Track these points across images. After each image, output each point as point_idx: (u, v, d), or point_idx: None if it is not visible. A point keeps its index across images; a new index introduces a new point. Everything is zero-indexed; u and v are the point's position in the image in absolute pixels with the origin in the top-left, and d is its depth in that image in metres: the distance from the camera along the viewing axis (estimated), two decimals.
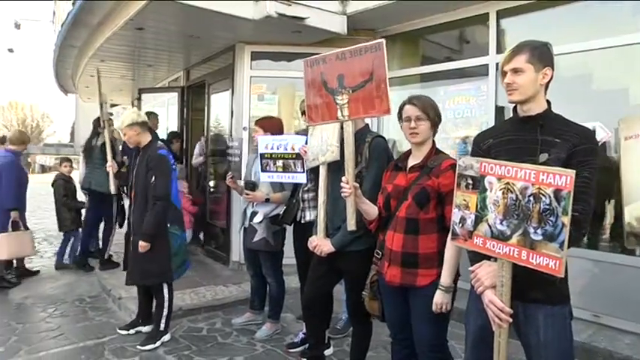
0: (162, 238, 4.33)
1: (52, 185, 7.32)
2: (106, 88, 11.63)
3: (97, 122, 6.97)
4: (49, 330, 4.89)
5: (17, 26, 20.82)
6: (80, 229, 7.29)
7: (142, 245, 4.26)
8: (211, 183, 7.95)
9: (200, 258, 7.53)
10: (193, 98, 8.86)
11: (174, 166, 4.48)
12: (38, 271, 7.01)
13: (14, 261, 6.67)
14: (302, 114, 4.22)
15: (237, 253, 6.66)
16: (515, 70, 2.18)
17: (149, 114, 6.69)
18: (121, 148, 6.72)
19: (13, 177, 6.27)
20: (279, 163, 4.21)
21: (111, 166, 5.23)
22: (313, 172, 3.71)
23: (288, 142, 4.14)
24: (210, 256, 7.53)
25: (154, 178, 4.28)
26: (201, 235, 7.97)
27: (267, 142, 4.28)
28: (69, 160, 7.47)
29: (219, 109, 7.69)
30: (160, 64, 8.73)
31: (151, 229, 4.25)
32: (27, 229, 6.51)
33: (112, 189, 5.42)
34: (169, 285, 4.53)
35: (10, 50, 29.62)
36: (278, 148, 4.22)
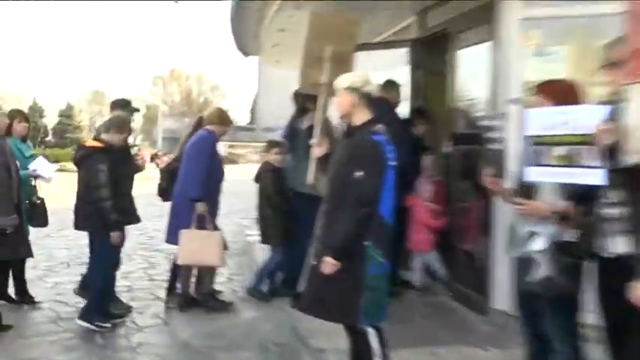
0: (356, 260, 4.39)
1: (257, 180, 8.08)
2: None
3: (302, 97, 7.37)
4: None
5: None
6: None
7: (328, 263, 4.38)
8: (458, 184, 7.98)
9: (442, 300, 7.55)
10: (429, 57, 8.97)
11: (392, 159, 4.50)
12: (231, 303, 7.67)
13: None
14: (604, 68, 3.94)
15: (502, 296, 6.53)
16: None
17: (388, 84, 6.80)
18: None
19: (205, 160, 7.13)
20: (560, 151, 3.98)
21: (317, 146, 5.23)
22: (619, 173, 3.52)
23: (576, 118, 3.92)
24: (457, 299, 7.51)
25: (360, 172, 4.36)
26: (437, 265, 8.05)
27: (541, 119, 4.10)
28: (279, 145, 8.09)
29: (470, 71, 7.69)
30: (379, 10, 8.97)
31: (343, 241, 4.37)
32: (217, 229, 7.22)
33: (309, 178, 5.57)
34: (379, 333, 4.57)
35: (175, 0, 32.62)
36: (561, 128, 3.97)
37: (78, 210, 6.86)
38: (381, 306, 4.60)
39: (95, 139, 6.98)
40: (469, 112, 7.86)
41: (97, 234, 6.74)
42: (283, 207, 7.85)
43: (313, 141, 5.54)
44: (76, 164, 6.87)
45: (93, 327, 6.62)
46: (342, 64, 5.83)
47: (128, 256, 10.00)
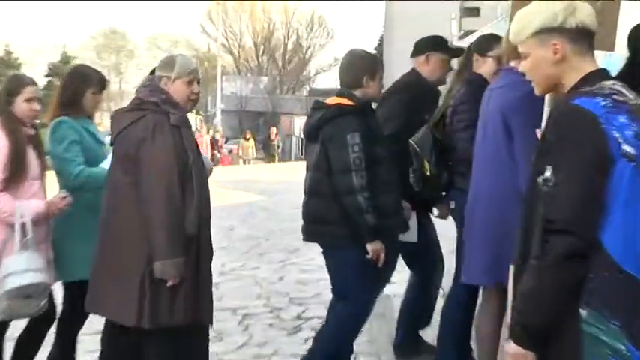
0: (569, 333, 2.63)
1: None
2: None
3: None
4: None
5: None
6: None
7: (510, 348, 2.71)
8: None
9: None
10: None
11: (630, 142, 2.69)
12: None
13: None
14: None
15: None
16: None
17: None
18: None
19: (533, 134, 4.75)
20: None
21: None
22: None
23: None
24: None
25: (548, 172, 2.71)
26: None
27: None
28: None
29: None
30: None
31: (531, 312, 2.64)
32: None
33: None
34: None
35: None
36: None
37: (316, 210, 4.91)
38: None
39: (340, 94, 4.96)
40: None
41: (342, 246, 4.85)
42: None
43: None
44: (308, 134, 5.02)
45: None
46: None
47: None
